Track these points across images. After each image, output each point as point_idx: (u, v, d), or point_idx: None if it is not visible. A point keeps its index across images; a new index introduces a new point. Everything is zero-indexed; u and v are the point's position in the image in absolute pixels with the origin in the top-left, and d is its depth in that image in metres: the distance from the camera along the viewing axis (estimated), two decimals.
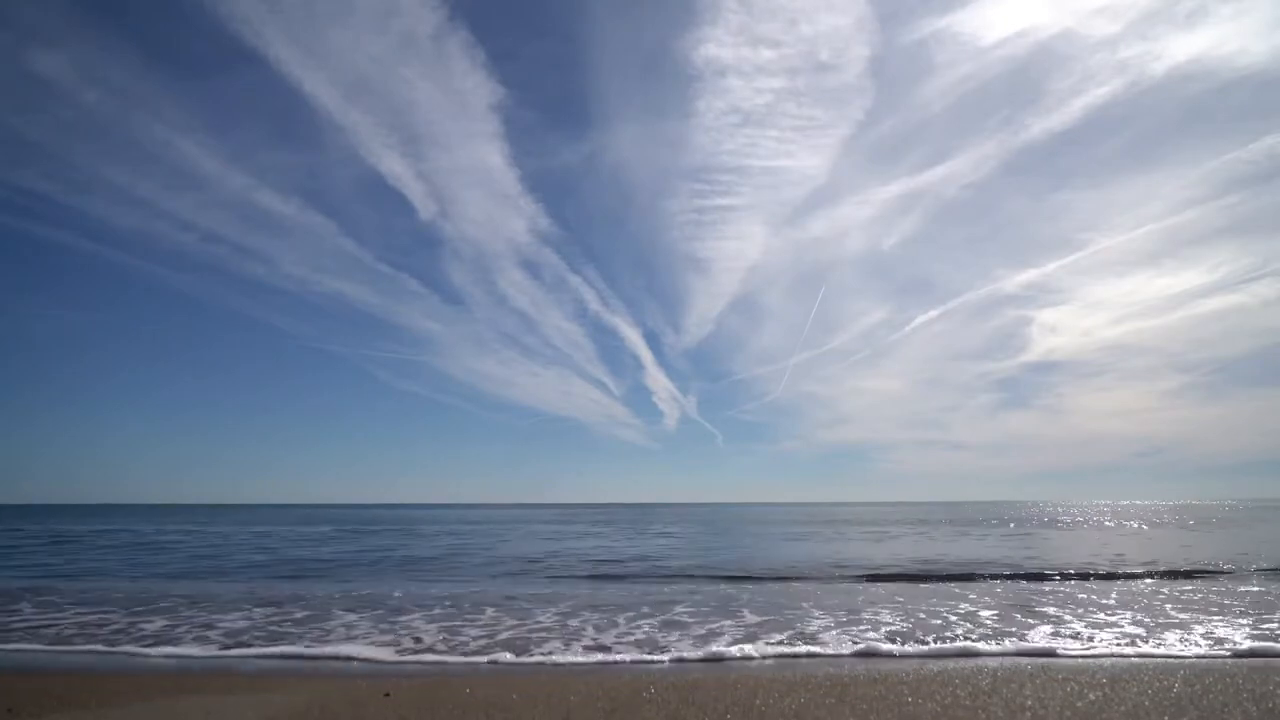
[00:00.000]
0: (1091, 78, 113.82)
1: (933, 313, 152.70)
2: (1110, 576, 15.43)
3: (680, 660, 7.64)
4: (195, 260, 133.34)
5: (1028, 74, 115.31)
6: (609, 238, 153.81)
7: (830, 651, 8.01)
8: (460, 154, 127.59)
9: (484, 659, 7.79)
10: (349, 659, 7.95)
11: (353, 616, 10.60)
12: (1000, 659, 7.58)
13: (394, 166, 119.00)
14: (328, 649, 8.34)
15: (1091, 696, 5.64)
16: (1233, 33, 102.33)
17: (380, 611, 11.03)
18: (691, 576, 16.13)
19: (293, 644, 8.66)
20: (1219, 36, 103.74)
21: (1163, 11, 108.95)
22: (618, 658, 7.76)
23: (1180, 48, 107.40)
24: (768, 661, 7.64)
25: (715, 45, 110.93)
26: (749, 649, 8.05)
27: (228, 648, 8.54)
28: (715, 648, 8.14)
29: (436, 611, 11.00)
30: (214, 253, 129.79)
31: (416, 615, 10.68)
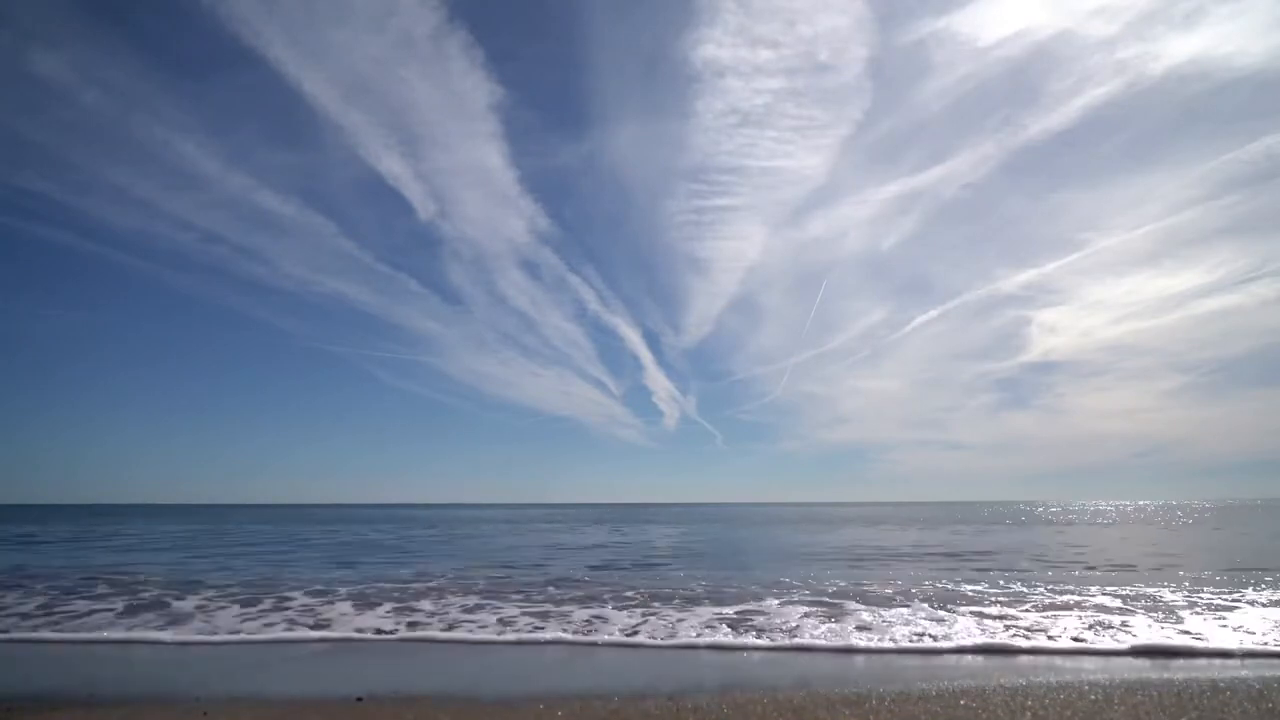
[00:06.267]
0: (1090, 78, 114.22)
1: (932, 313, 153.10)
2: None
3: None
4: (195, 260, 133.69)
5: (1026, 74, 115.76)
6: (608, 238, 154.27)
7: None
8: (459, 154, 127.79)
9: None
10: None
11: None
12: None
13: (393, 167, 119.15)
14: None
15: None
16: (1230, 33, 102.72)
17: None
18: None
19: None
20: (1217, 37, 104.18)
21: (1160, 12, 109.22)
22: None
23: (1178, 48, 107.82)
24: None
25: (714, 46, 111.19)
26: None
27: None
28: None
29: None
30: (214, 253, 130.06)
31: None
